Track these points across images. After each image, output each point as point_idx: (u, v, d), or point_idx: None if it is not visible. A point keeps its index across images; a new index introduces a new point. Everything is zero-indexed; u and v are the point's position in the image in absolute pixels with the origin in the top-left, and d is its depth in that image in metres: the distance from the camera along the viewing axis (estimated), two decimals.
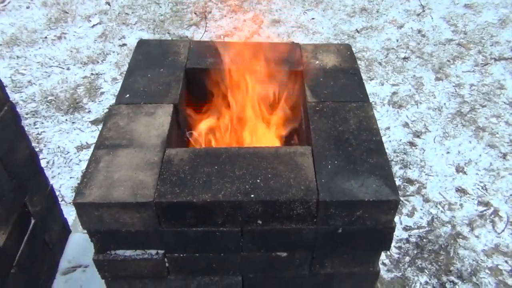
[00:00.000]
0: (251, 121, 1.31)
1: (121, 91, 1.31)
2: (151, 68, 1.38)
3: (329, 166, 1.08)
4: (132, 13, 3.51)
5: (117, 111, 1.24)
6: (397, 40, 3.23)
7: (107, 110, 2.75)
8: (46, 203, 1.61)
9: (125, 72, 1.40)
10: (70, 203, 2.25)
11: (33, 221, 1.50)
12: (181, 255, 1.12)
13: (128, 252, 1.11)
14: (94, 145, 1.16)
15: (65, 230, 1.77)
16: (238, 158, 1.11)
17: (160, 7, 3.56)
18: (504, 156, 2.45)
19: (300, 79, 1.34)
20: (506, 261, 2.00)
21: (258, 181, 1.05)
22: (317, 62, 1.40)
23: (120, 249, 1.11)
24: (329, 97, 1.27)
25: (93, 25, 3.43)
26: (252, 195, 1.01)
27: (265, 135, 1.33)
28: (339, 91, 1.30)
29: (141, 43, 1.50)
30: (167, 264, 1.14)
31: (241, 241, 1.09)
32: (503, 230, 2.12)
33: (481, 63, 3.03)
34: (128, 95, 1.29)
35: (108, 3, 3.61)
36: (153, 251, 1.11)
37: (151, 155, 1.12)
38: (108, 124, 1.20)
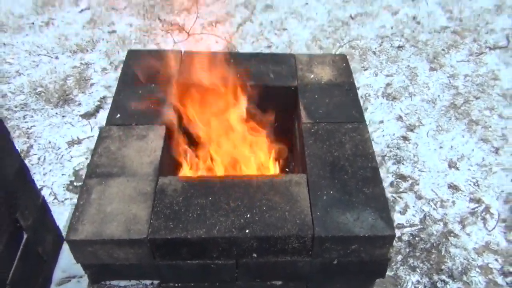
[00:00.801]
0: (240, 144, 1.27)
1: (111, 110, 1.26)
2: (142, 83, 1.33)
3: (325, 197, 1.06)
4: None
5: (108, 133, 1.20)
6: (392, 28, 3.15)
7: (97, 103, 2.69)
8: (38, 214, 1.58)
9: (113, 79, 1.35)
10: (62, 201, 2.23)
11: (25, 236, 1.47)
12: (177, 284, 1.11)
13: (123, 283, 1.09)
14: (85, 173, 1.13)
15: (58, 239, 1.75)
16: (232, 188, 1.08)
17: None
18: (496, 150, 2.44)
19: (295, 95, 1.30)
20: (496, 260, 2.02)
21: (253, 214, 1.03)
22: (312, 76, 1.35)
23: (115, 280, 1.09)
24: (325, 118, 1.24)
25: (82, 10, 3.30)
26: (247, 231, 1.00)
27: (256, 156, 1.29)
28: (334, 110, 1.26)
29: (131, 54, 1.44)
30: None
31: (236, 272, 1.07)
32: (493, 228, 2.13)
33: (476, 52, 2.98)
34: (119, 115, 1.25)
35: None
36: (148, 282, 1.10)
37: (144, 184, 1.09)
38: (99, 149, 1.17)
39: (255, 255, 1.03)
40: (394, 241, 2.08)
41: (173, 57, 1.41)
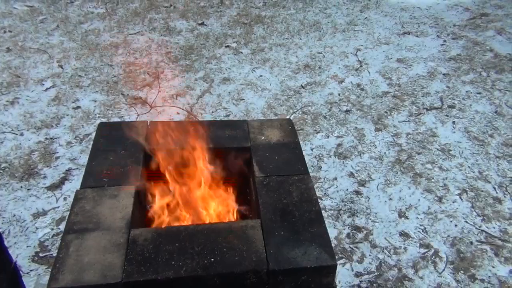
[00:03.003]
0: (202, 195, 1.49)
1: (85, 175, 1.45)
2: (113, 151, 1.55)
3: (276, 237, 1.27)
4: (85, 75, 3.65)
5: (83, 195, 1.39)
6: (339, 94, 3.55)
7: (63, 175, 2.83)
8: (10, 281, 1.68)
9: (83, 146, 1.55)
10: (28, 273, 2.30)
11: None
12: None
13: None
14: (63, 230, 1.30)
15: None
16: (196, 235, 1.28)
17: (113, 68, 3.73)
18: (440, 199, 2.73)
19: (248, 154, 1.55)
20: None
21: (215, 255, 1.22)
22: (263, 137, 1.61)
23: None
24: (275, 171, 1.48)
25: (46, 89, 3.53)
26: (211, 269, 1.18)
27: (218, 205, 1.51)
28: (283, 165, 1.51)
29: (102, 125, 1.67)
30: None
31: None
32: (443, 270, 2.36)
33: (415, 113, 3.38)
34: (92, 179, 1.44)
35: (61, 66, 3.74)
36: None
37: (117, 236, 1.26)
38: (75, 209, 1.35)
39: None
40: None
41: (140, 126, 1.64)
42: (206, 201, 1.54)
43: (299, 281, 1.22)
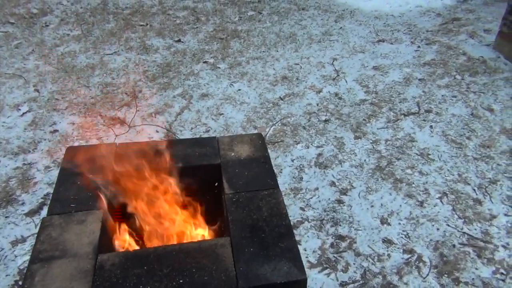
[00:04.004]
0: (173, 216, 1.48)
1: (52, 201, 1.43)
2: (81, 175, 1.53)
3: (246, 254, 1.25)
4: (62, 98, 3.63)
5: (50, 222, 1.37)
6: (317, 104, 3.57)
7: (41, 200, 2.79)
8: None
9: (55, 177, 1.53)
10: None
11: None
12: None
13: None
14: (29, 260, 1.27)
15: None
16: (165, 256, 1.26)
17: (90, 90, 3.71)
18: (421, 204, 2.74)
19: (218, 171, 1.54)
20: None
21: (184, 276, 1.20)
22: (233, 153, 1.61)
23: None
24: (244, 187, 1.47)
25: (23, 114, 3.50)
26: None
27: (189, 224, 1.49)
28: (253, 181, 1.50)
29: (69, 150, 1.65)
30: None
31: None
32: (427, 274, 2.36)
33: (393, 119, 3.41)
34: (59, 205, 1.42)
35: (37, 90, 3.71)
36: None
37: (84, 263, 1.24)
38: (41, 237, 1.32)
39: None
40: None
41: (109, 150, 1.63)
42: (176, 221, 1.52)
43: None
